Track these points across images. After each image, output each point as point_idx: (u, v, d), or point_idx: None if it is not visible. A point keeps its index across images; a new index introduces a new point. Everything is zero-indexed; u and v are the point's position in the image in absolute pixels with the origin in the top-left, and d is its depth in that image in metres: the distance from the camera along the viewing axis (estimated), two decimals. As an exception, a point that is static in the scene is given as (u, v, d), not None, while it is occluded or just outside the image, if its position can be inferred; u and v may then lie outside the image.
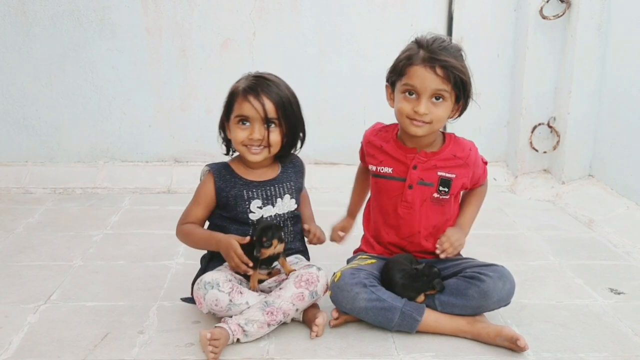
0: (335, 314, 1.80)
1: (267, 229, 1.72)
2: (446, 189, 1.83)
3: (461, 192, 1.91)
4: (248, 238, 1.72)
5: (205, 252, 1.91)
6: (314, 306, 1.80)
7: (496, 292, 1.72)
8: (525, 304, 1.95)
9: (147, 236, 2.51)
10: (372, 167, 1.89)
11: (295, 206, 1.87)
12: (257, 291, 1.76)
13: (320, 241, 1.88)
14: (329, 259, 2.02)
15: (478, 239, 2.05)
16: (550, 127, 3.14)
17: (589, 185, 3.02)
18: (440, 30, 3.07)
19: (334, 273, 1.80)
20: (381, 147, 1.87)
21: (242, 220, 1.80)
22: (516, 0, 3.15)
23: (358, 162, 2.03)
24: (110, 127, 3.23)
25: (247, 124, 1.76)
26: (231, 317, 1.68)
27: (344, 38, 3.19)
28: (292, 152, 1.87)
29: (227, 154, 1.90)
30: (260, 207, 1.81)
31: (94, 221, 2.68)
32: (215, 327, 1.66)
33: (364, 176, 2.02)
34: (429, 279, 1.75)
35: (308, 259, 1.93)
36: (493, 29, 3.20)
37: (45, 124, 3.19)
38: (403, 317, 1.72)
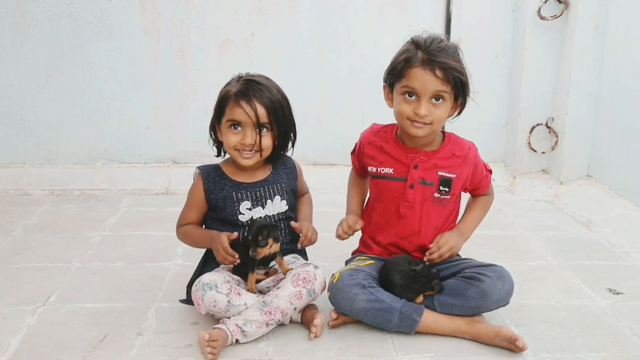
0: (334, 315, 1.80)
1: (263, 228, 1.72)
2: (447, 189, 1.83)
3: (461, 194, 1.92)
4: (236, 234, 1.73)
5: (204, 253, 1.91)
6: (312, 307, 1.79)
7: (495, 292, 1.72)
8: (524, 304, 1.95)
9: (145, 237, 2.51)
10: (372, 169, 1.88)
11: (286, 207, 1.86)
12: (255, 293, 1.76)
13: (310, 242, 1.83)
14: (327, 261, 2.02)
15: (477, 240, 2.04)
16: (548, 127, 3.14)
17: (587, 186, 3.02)
18: (439, 31, 3.07)
19: (333, 274, 1.79)
20: (381, 147, 1.87)
21: (232, 222, 1.80)
22: (514, 1, 3.15)
23: (357, 162, 2.03)
24: (108, 129, 3.22)
25: (239, 128, 1.76)
26: (229, 318, 1.68)
27: (342, 39, 3.19)
28: (282, 153, 1.86)
29: (218, 155, 1.90)
30: (250, 209, 1.81)
31: (92, 223, 2.68)
32: (214, 328, 1.66)
33: (359, 181, 2.01)
34: (427, 279, 1.75)
35: (306, 258, 1.93)
36: (491, 30, 3.20)
37: (43, 125, 3.19)
38: (402, 317, 1.72)
